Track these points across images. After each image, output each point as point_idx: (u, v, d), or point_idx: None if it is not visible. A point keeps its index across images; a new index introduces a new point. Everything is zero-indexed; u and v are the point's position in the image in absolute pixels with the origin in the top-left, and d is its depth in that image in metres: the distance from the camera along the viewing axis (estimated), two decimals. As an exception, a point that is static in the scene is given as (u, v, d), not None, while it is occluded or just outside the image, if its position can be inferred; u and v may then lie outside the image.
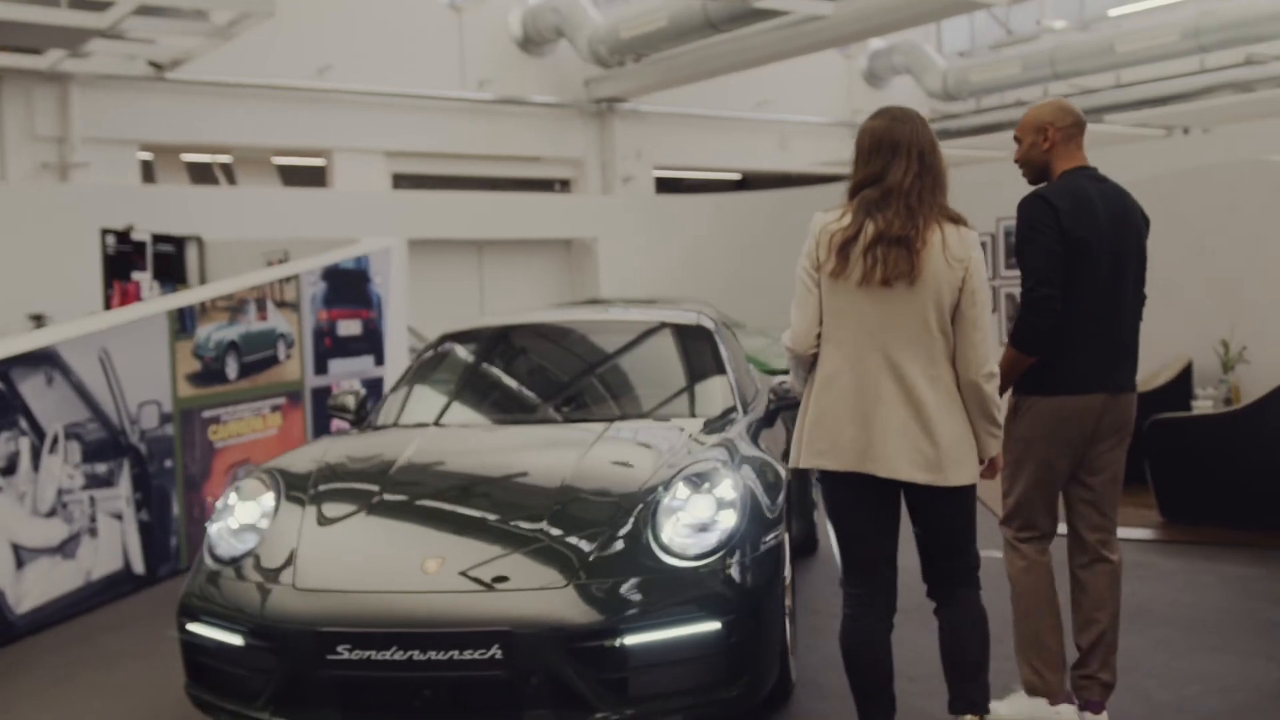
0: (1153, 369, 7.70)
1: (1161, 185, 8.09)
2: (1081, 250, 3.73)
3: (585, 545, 3.74)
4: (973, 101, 23.13)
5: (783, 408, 5.13)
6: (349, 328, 9.06)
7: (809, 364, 3.42)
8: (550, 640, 3.48)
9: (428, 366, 5.44)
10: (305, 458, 4.46)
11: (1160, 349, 7.69)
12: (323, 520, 3.97)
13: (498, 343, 5.59)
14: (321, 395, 8.57)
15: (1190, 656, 4.63)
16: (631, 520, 3.83)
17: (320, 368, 8.56)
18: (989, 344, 3.35)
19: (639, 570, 3.68)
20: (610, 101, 20.24)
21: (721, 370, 5.21)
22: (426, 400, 5.24)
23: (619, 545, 3.75)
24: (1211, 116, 18.79)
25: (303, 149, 17.90)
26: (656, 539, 3.76)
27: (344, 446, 4.59)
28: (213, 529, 4.10)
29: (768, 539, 3.90)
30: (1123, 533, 4.13)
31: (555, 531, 3.81)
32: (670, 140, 21.27)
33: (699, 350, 5.32)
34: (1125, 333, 3.91)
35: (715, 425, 4.71)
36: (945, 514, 3.44)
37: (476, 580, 3.63)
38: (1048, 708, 3.86)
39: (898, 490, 3.37)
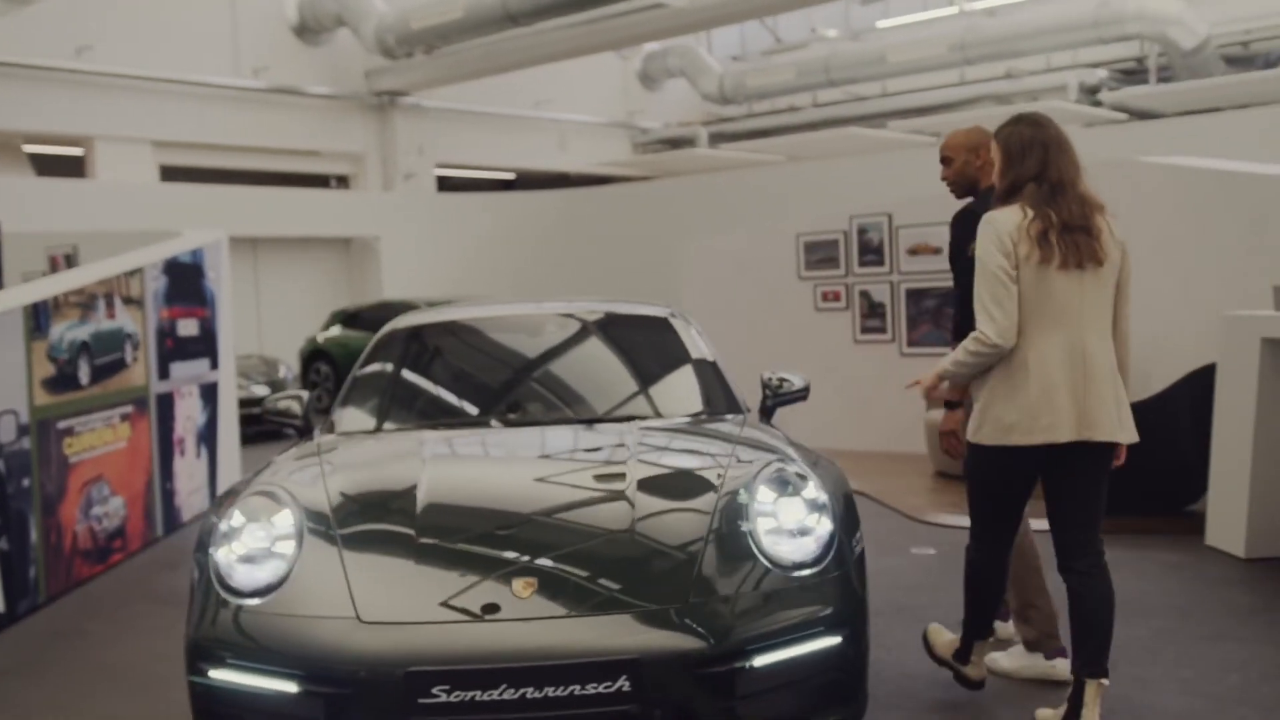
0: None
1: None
2: None
3: (684, 559, 3.34)
4: (745, 106, 23.57)
5: (780, 404, 4.87)
6: (187, 327, 8.21)
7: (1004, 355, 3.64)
8: (680, 666, 3.08)
9: (386, 364, 4.87)
10: (305, 482, 3.79)
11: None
12: (365, 557, 3.38)
13: (463, 337, 5.07)
14: (166, 402, 7.70)
15: (1198, 646, 4.65)
16: (724, 528, 3.46)
17: (163, 372, 7.69)
18: None
19: (749, 583, 3.32)
20: (392, 95, 19.50)
21: (711, 363, 4.91)
22: (399, 401, 4.68)
23: (721, 556, 3.37)
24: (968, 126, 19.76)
25: (59, 136, 16.35)
26: (759, 547, 3.41)
27: (342, 468, 3.92)
28: (219, 555, 3.45)
29: (855, 541, 3.62)
30: (1035, 524, 4.37)
31: (645, 547, 3.38)
32: (452, 137, 20.70)
33: (680, 343, 4.99)
34: None
35: (736, 421, 4.41)
36: (1101, 477, 3.74)
37: (582, 604, 3.18)
38: (1044, 661, 4.34)
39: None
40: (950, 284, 4.56)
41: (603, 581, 3.27)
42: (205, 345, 8.51)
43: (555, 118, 21.98)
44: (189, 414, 8.16)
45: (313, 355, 16.04)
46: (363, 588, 3.24)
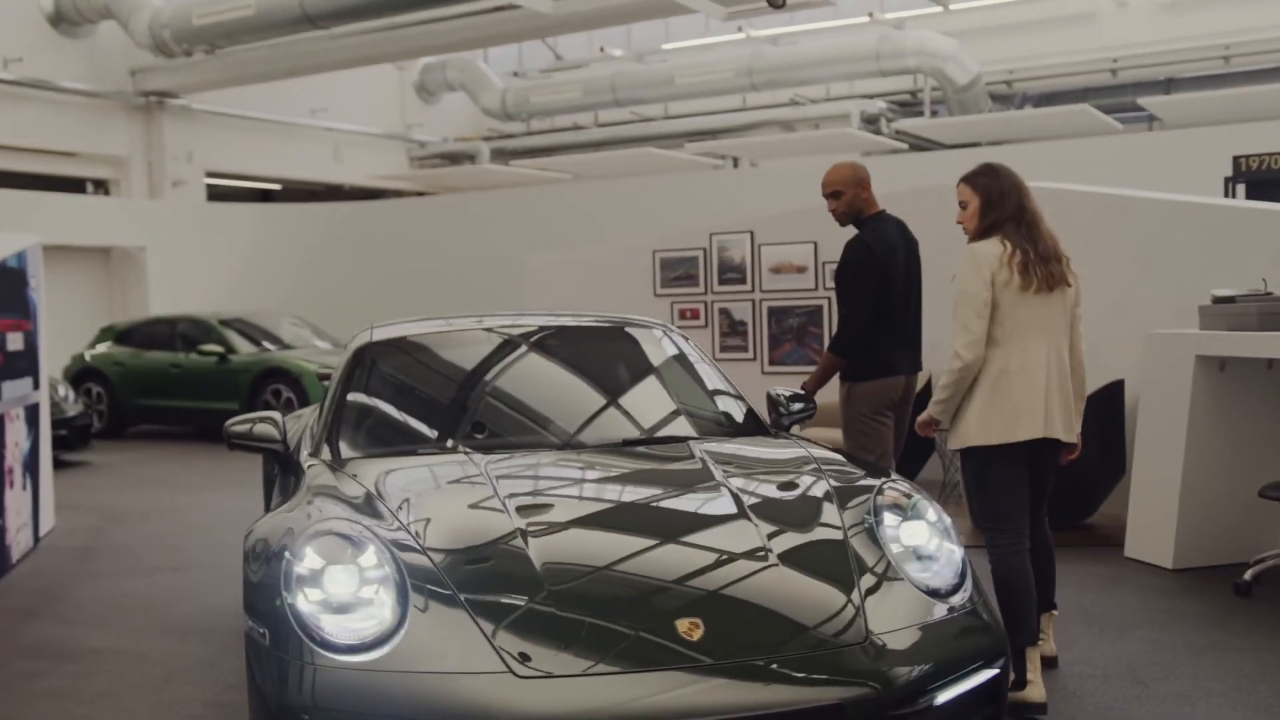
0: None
1: (903, 202, 8.37)
2: (889, 280, 5.18)
3: (842, 592, 3.05)
4: (526, 123, 23.25)
5: (794, 420, 4.63)
6: (14, 341, 7.22)
7: (977, 370, 4.14)
8: (878, 707, 2.79)
9: (385, 382, 4.33)
10: (371, 516, 3.24)
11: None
12: (491, 608, 2.91)
13: (463, 351, 4.56)
14: (-3, 427, 6.72)
15: (1207, 658, 4.67)
16: (863, 557, 3.20)
17: (-5, 392, 6.72)
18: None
19: (913, 615, 3.06)
20: (160, 96, 18.12)
21: (724, 379, 4.63)
22: (419, 422, 4.18)
23: (875, 589, 3.10)
24: (756, 151, 20.21)
25: None
26: (907, 577, 3.16)
27: (410, 502, 3.38)
28: (300, 605, 2.90)
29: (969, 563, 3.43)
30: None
31: (796, 581, 3.07)
32: (222, 143, 19.42)
33: (691, 358, 4.70)
34: (915, 332, 5.40)
35: (782, 439, 4.15)
36: (1054, 469, 4.36)
37: (758, 646, 2.83)
38: None
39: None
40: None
41: (769, 621, 2.94)
42: (29, 362, 7.52)
43: (330, 127, 21.01)
44: (16, 440, 7.17)
45: (81, 374, 14.63)
46: (504, 640, 2.78)
